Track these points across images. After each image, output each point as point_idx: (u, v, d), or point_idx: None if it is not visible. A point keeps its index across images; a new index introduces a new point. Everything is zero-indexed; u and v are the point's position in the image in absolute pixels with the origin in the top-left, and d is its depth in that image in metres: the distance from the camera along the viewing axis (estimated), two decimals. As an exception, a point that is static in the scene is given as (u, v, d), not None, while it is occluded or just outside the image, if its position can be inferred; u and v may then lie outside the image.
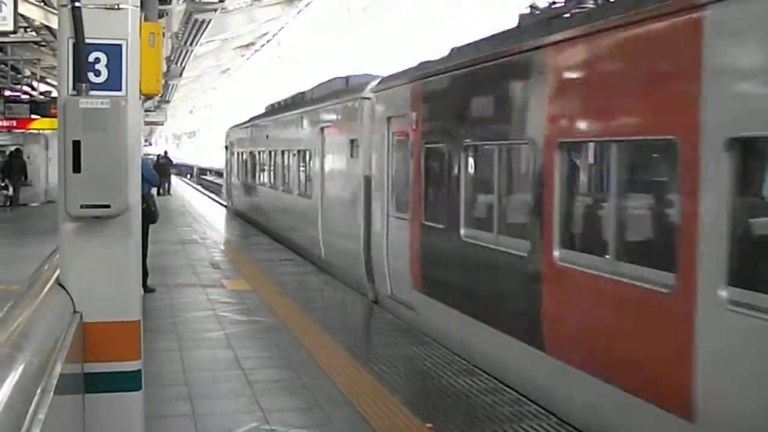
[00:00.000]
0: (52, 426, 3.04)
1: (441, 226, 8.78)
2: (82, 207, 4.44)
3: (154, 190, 12.83)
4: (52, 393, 3.17)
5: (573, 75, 6.49)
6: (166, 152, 41.90)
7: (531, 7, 7.68)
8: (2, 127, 26.70)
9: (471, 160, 8.36)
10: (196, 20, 13.72)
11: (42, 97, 27.12)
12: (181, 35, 15.38)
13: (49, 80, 27.03)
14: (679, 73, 5.16)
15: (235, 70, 35.31)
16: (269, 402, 6.58)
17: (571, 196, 6.50)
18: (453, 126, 8.63)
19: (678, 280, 5.01)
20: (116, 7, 4.53)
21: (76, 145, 4.36)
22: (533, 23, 7.39)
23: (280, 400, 6.69)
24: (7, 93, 26.94)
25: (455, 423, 6.15)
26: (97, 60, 4.51)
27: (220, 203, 33.09)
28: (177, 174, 50.89)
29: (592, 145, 6.40)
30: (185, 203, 31.28)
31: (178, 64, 18.91)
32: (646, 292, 5.33)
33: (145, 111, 29.83)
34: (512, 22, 8.02)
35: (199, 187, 48.22)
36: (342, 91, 13.84)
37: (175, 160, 46.88)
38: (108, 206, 4.46)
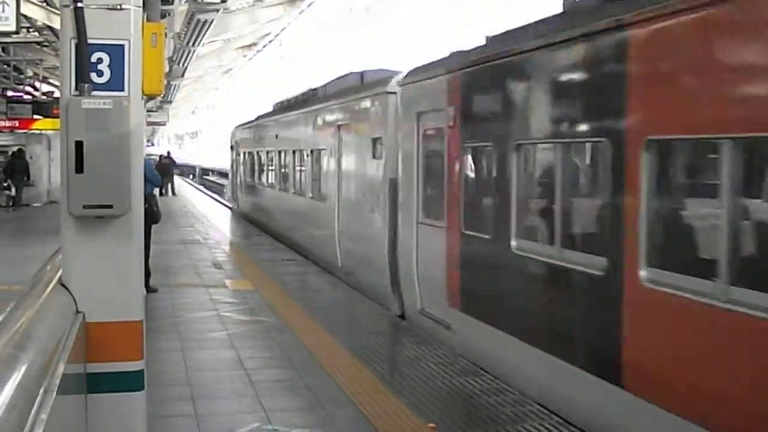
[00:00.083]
0: (54, 426, 3.04)
1: (486, 237, 7.71)
2: (84, 207, 4.45)
3: (156, 190, 12.81)
4: (54, 393, 3.18)
5: (668, 58, 5.27)
6: (169, 152, 41.94)
7: None
8: (5, 127, 26.73)
9: (525, 161, 7.31)
10: (198, 20, 13.72)
11: (44, 97, 27.14)
12: (183, 35, 15.39)
13: (51, 81, 27.06)
14: None
15: (238, 70, 35.33)
16: (272, 402, 6.58)
17: (663, 205, 5.49)
18: (502, 122, 7.54)
19: None
20: (118, 7, 4.54)
21: (79, 145, 4.37)
22: (587, 4, 6.48)
23: (282, 400, 6.69)
24: (10, 93, 27.01)
25: (458, 423, 6.15)
26: (100, 60, 4.52)
27: (223, 204, 33.12)
28: (179, 174, 50.91)
29: (694, 143, 5.28)
30: (187, 203, 31.29)
31: (181, 64, 18.91)
32: None
33: (148, 111, 29.89)
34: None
35: (201, 188, 48.27)
36: (362, 85, 12.92)
37: (177, 161, 46.90)
38: (110, 206, 4.46)
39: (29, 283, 5.14)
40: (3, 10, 10.49)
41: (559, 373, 6.36)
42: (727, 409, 4.65)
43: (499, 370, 7.36)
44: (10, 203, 27.22)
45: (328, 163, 13.98)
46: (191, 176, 65.13)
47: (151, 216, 10.30)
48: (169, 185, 34.64)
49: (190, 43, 15.87)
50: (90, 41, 4.47)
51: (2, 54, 23.08)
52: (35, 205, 27.69)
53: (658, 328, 5.26)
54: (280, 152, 19.05)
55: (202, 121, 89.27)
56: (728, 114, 4.69)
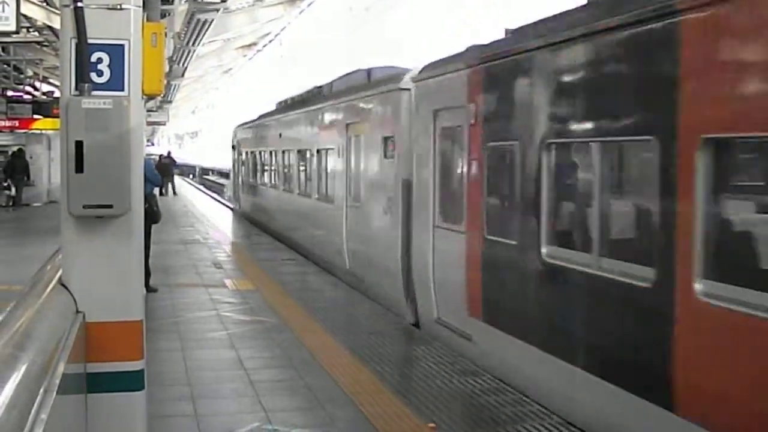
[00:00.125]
0: (54, 426, 3.04)
1: (512, 242, 7.12)
2: (84, 207, 4.45)
3: (156, 190, 12.81)
4: (54, 393, 3.18)
5: (731, 45, 4.72)
6: (169, 152, 41.97)
7: None
8: (5, 127, 26.74)
9: (557, 161, 6.64)
10: (198, 20, 13.72)
11: (44, 97, 27.16)
12: (183, 35, 15.39)
13: (51, 80, 27.07)
14: None
15: (238, 70, 35.37)
16: (272, 402, 6.58)
17: (722, 210, 4.96)
18: (530, 119, 6.94)
19: None
20: (118, 7, 4.54)
21: (79, 145, 4.37)
22: None
23: (282, 400, 6.69)
24: (10, 93, 27.01)
25: (458, 423, 6.14)
26: (100, 60, 4.52)
27: (223, 203, 33.12)
28: (179, 174, 50.95)
29: (758, 142, 4.73)
30: (187, 203, 31.29)
31: (181, 64, 18.92)
32: None
33: (148, 111, 29.90)
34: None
35: (201, 187, 48.29)
36: (373, 82, 12.32)
37: (177, 160, 46.93)
38: (110, 206, 4.46)
39: (29, 283, 5.14)
40: (3, 10, 10.49)
41: (596, 393, 5.78)
42: None
43: (527, 387, 6.78)
44: (10, 203, 27.23)
45: (335, 163, 13.49)
46: (191, 176, 65.18)
47: (151, 216, 10.30)
48: (170, 185, 34.65)
49: (190, 43, 15.88)
50: (90, 41, 4.47)
51: (2, 54, 23.10)
52: (35, 204, 27.70)
53: (715, 348, 4.76)
54: (283, 152, 18.59)
55: (202, 120, 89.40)
56: None
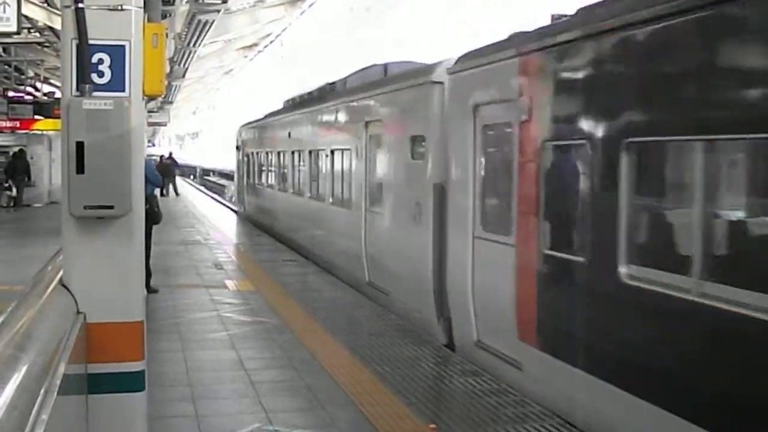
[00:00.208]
0: (55, 426, 3.04)
1: (579, 259, 6.06)
2: (85, 208, 4.45)
3: (157, 191, 12.81)
4: (55, 393, 3.18)
5: None
6: (171, 153, 42.01)
7: None
8: (6, 128, 26.76)
9: (641, 164, 5.53)
10: (199, 21, 13.73)
11: (45, 98, 27.19)
12: (184, 36, 15.40)
13: (52, 81, 27.09)
14: None
15: (239, 71, 35.39)
16: (272, 403, 6.58)
17: None
18: (605, 114, 5.90)
19: None
20: (119, 8, 4.54)
21: (80, 146, 4.37)
22: None
23: (283, 401, 6.69)
24: (11, 94, 27.03)
25: (459, 424, 6.14)
26: (101, 61, 4.53)
27: (224, 204, 33.13)
28: (180, 175, 51.02)
29: None
30: (188, 204, 31.30)
31: (182, 65, 18.93)
32: None
33: (148, 112, 29.91)
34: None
35: (202, 188, 48.32)
36: (398, 76, 11.33)
37: (178, 161, 46.98)
38: (111, 207, 4.47)
39: (30, 284, 5.15)
40: (4, 11, 10.49)
41: None
42: None
43: (590, 425, 5.94)
44: (11, 203, 27.23)
45: (352, 165, 12.43)
46: (192, 177, 65.22)
47: (152, 217, 10.30)
48: (171, 186, 34.68)
49: (191, 44, 15.89)
50: (91, 42, 4.48)
51: (3, 55, 23.12)
52: (36, 205, 27.70)
53: None
54: (293, 152, 17.54)
55: (203, 121, 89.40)
56: None
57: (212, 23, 13.99)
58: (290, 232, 17.84)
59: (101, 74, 4.52)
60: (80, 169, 4.37)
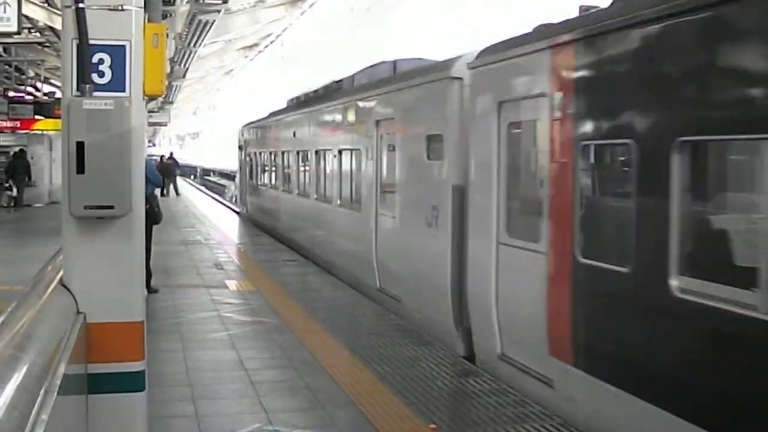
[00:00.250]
0: (55, 426, 3.04)
1: (622, 269, 5.47)
2: (85, 208, 4.45)
3: (157, 191, 12.81)
4: (55, 393, 3.18)
5: None
6: (171, 153, 42.09)
7: None
8: (6, 127, 26.78)
9: (696, 164, 5.08)
10: (199, 21, 13.74)
11: (46, 98, 27.22)
12: (184, 36, 15.41)
13: (53, 81, 27.12)
14: None
15: (239, 71, 35.40)
16: (272, 403, 6.58)
17: None
18: (654, 111, 5.34)
19: None
20: (120, 8, 4.54)
21: (80, 146, 4.37)
22: None
23: (283, 401, 6.69)
24: (11, 94, 27.05)
25: (458, 424, 6.14)
26: (101, 61, 4.53)
27: (225, 205, 33.13)
28: (181, 175, 51.06)
29: None
30: (188, 204, 31.31)
31: (182, 65, 18.95)
32: None
33: (149, 112, 29.91)
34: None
35: (203, 188, 48.34)
36: (413, 71, 10.81)
37: (179, 161, 47.02)
38: (111, 207, 4.47)
39: (30, 284, 5.15)
40: (4, 11, 10.50)
41: None
42: None
43: None
44: (12, 203, 27.25)
45: (361, 165, 11.94)
46: (192, 177, 65.25)
47: (152, 216, 10.30)
48: (172, 185, 34.71)
49: (192, 44, 15.91)
50: (91, 42, 4.48)
51: (4, 54, 23.14)
52: (36, 205, 27.71)
53: None
54: (298, 152, 16.98)
55: (204, 121, 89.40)
56: None
57: (213, 23, 14.00)
58: (294, 234, 17.50)
59: (102, 74, 4.53)
60: (80, 169, 4.37)
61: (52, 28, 15.64)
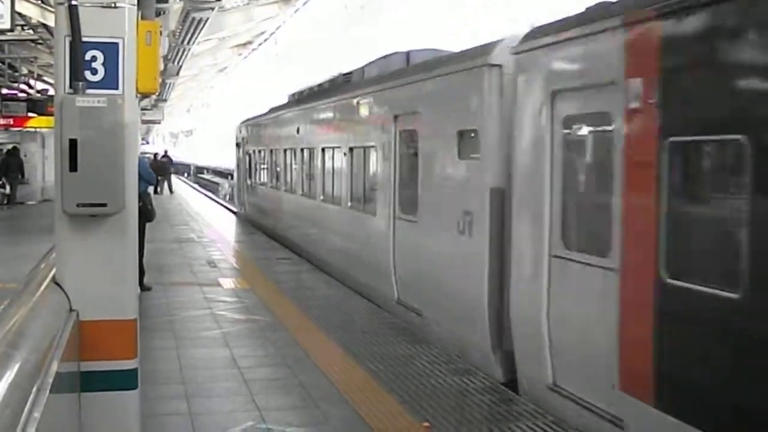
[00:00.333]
0: (47, 424, 3.04)
1: (729, 295, 4.48)
2: (78, 205, 4.44)
3: (150, 189, 12.79)
4: (48, 391, 3.17)
5: None
6: (166, 151, 42.08)
7: None
8: (-1, 125, 26.73)
9: None
10: (193, 19, 13.72)
11: (39, 95, 27.15)
12: (178, 34, 15.38)
13: (46, 78, 27.02)
14: None
15: (233, 68, 35.34)
16: (266, 400, 6.58)
17: None
18: None
19: None
20: (113, 5, 4.53)
21: (73, 143, 4.36)
22: None
23: (276, 399, 6.69)
24: (4, 91, 26.93)
25: (451, 422, 6.15)
26: (94, 58, 4.51)
27: (218, 202, 33.09)
28: (174, 172, 51.01)
29: None
30: (182, 201, 31.27)
31: (175, 62, 18.90)
32: None
33: (142, 109, 29.80)
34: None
35: (196, 186, 48.28)
36: (440, 60, 9.68)
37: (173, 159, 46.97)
38: (104, 205, 4.46)
39: (23, 281, 5.14)
40: (-3, 8, 10.48)
41: None
42: None
43: None
44: (5, 201, 27.19)
45: (377, 165, 10.96)
46: (186, 174, 65.13)
47: (145, 214, 10.29)
48: (166, 183, 34.68)
49: (185, 42, 15.87)
50: (84, 39, 4.46)
51: (-3, 51, 23.05)
52: (29, 203, 27.65)
53: None
54: (303, 150, 15.88)
55: (197, 119, 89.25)
56: None
57: (206, 21, 13.98)
58: (295, 234, 16.74)
59: (95, 71, 4.51)
60: (73, 166, 4.36)
61: (45, 25, 15.62)
